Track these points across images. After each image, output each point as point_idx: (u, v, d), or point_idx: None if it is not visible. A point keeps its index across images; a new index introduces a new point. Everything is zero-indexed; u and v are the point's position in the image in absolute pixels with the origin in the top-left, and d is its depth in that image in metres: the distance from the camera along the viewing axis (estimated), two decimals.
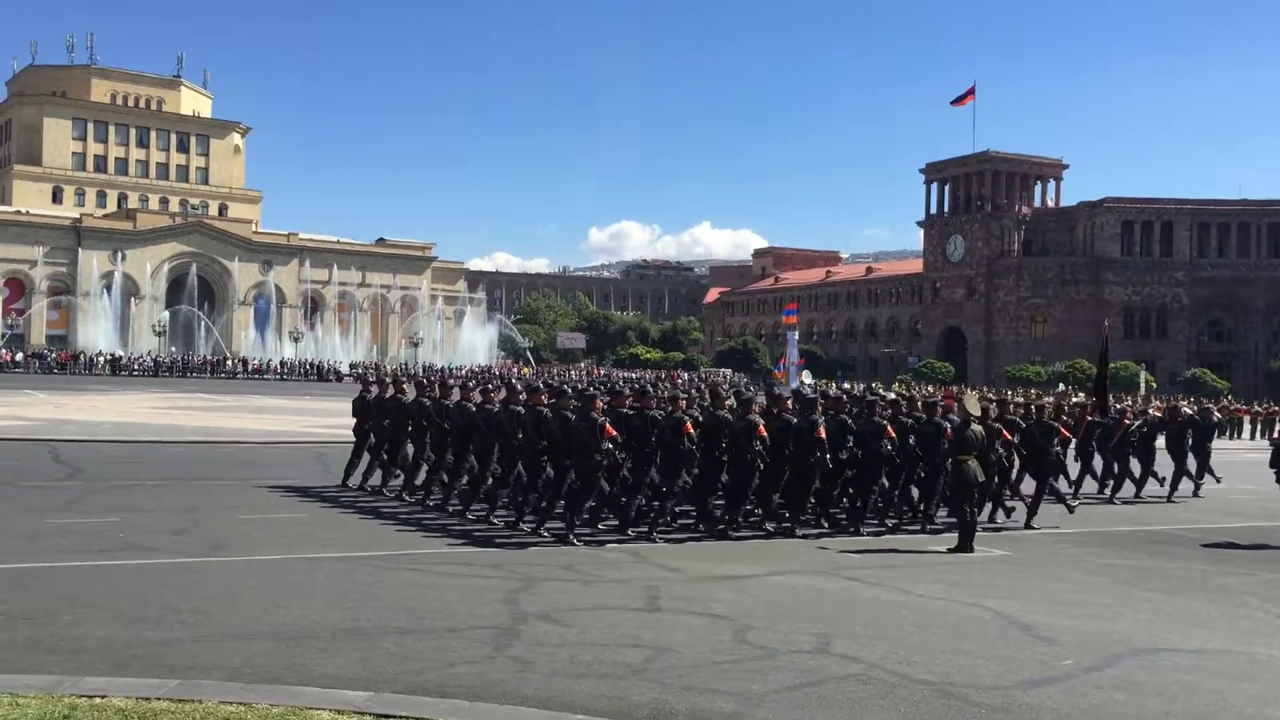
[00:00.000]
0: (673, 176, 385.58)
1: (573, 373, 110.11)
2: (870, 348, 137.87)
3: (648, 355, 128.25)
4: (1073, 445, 21.69)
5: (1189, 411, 27.76)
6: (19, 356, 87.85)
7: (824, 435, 15.99)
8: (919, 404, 18.62)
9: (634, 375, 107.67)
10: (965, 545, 15.26)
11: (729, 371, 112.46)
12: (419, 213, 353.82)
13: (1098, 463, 23.52)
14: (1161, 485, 23.72)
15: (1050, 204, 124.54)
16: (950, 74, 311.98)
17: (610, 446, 14.74)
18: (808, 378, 74.56)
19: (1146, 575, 14.18)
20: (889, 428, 16.94)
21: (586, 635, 9.63)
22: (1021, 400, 22.87)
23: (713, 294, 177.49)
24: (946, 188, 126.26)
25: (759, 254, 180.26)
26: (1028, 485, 18.95)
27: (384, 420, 19.18)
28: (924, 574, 13.47)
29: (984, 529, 16.88)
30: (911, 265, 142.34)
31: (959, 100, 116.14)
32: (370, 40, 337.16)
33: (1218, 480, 25.06)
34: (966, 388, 66.88)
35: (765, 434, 15.72)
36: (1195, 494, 24.38)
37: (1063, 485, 20.53)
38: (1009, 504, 18.82)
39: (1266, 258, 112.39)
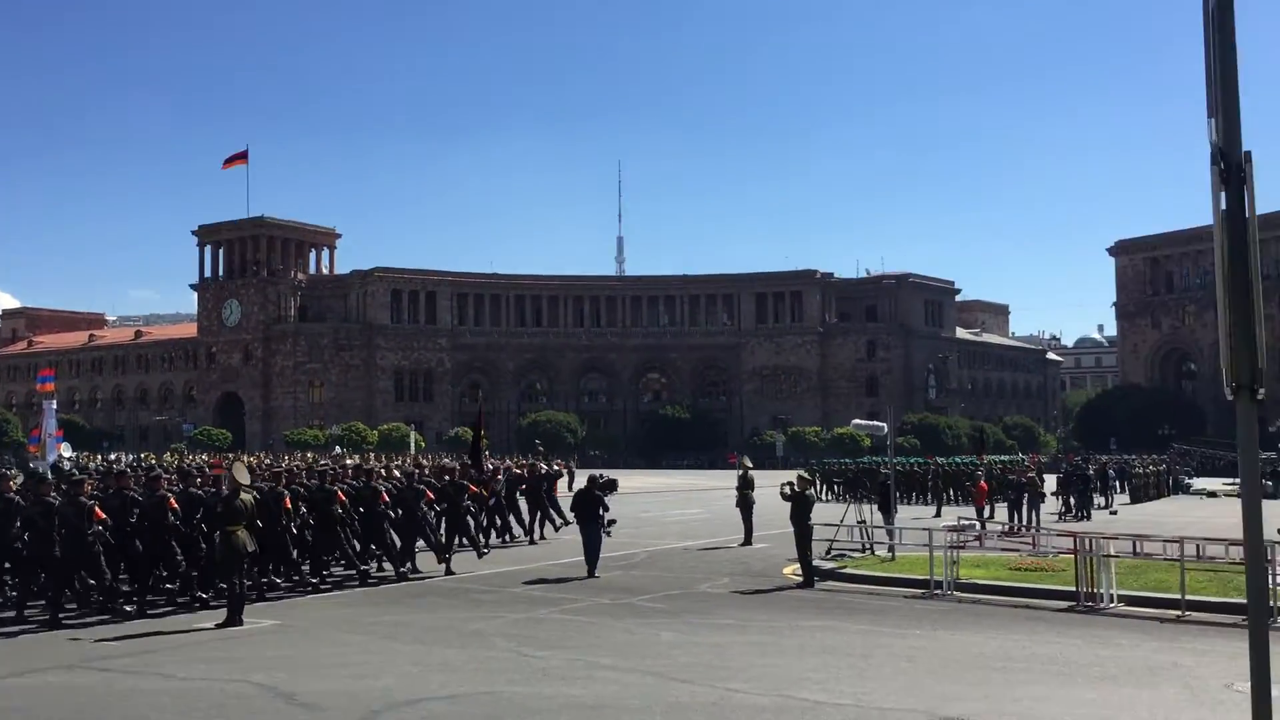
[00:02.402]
0: None
1: None
2: (141, 415, 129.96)
3: None
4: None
5: (544, 468, 31.62)
6: None
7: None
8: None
9: None
10: (235, 619, 14.86)
11: None
12: None
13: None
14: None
15: (326, 271, 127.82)
16: (221, 130, 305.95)
17: (100, 529, 15.17)
18: (67, 450, 68.07)
19: (410, 628, 14.91)
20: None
21: None
22: (449, 464, 26.50)
23: None
24: (221, 251, 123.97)
25: (9, 315, 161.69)
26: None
27: None
28: (188, 654, 12.87)
29: (259, 597, 16.58)
30: (186, 329, 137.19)
31: (229, 162, 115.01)
32: None
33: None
34: (242, 455, 65.73)
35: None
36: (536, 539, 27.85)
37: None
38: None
39: (514, 325, 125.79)
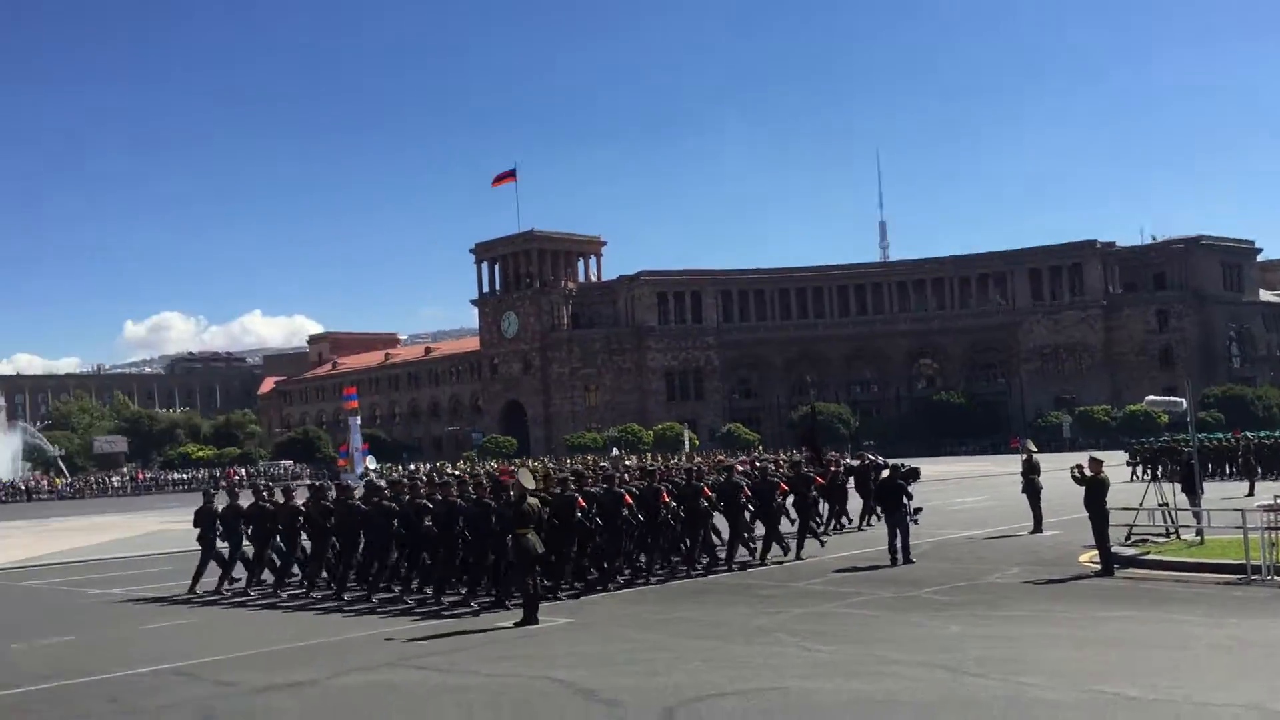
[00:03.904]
0: (216, 263, 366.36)
1: (114, 479, 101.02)
2: (434, 427, 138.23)
3: (200, 453, 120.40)
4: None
5: (870, 459, 32.21)
6: None
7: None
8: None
9: (186, 476, 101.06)
10: (531, 617, 15.58)
11: (290, 463, 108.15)
12: None
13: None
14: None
15: (594, 278, 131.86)
16: (494, 151, 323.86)
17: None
18: (372, 463, 73.45)
19: (697, 624, 15.18)
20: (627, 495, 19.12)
21: None
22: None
23: (268, 384, 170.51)
24: (496, 266, 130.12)
25: (314, 340, 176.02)
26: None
27: (239, 526, 20.96)
28: (493, 652, 13.59)
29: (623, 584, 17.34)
30: (469, 343, 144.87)
31: (499, 180, 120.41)
32: None
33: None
34: (528, 460, 68.64)
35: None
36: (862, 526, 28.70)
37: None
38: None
39: (780, 320, 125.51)
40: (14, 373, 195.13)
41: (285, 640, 15.27)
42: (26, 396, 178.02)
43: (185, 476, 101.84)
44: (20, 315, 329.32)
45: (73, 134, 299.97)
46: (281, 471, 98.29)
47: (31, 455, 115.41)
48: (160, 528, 41.83)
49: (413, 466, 74.63)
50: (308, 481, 67.11)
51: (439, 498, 18.65)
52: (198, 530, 21.38)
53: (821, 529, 25.86)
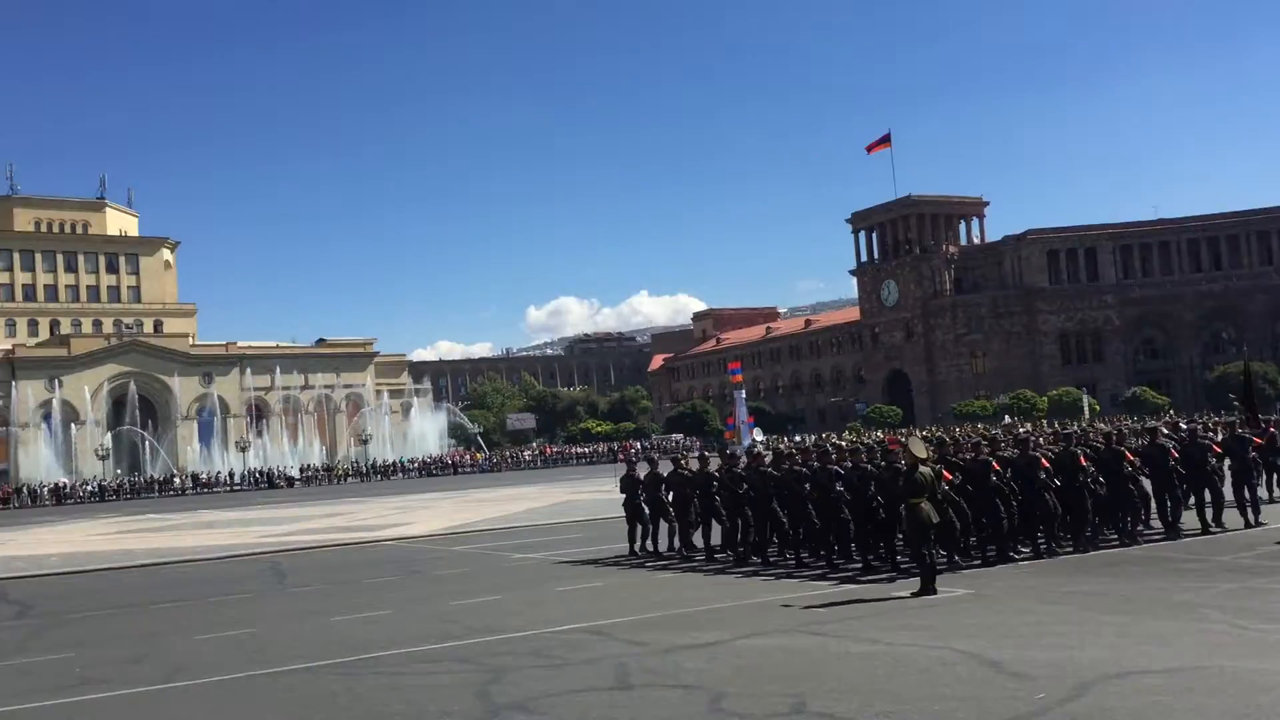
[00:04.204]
0: (607, 249, 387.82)
1: (526, 453, 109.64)
2: (817, 398, 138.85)
3: (598, 429, 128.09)
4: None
5: None
6: None
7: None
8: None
9: (587, 450, 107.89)
10: (928, 588, 15.33)
11: (680, 436, 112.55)
12: (358, 309, 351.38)
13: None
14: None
15: (976, 241, 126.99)
16: (866, 120, 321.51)
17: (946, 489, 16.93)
18: (759, 435, 74.87)
19: (1107, 598, 14.31)
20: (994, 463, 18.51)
21: None
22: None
23: (656, 361, 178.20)
24: (874, 234, 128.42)
25: (698, 317, 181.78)
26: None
27: (659, 491, 22.41)
28: (890, 621, 13.50)
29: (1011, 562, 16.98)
30: (849, 313, 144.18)
31: (874, 146, 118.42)
32: (290, 137, 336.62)
33: None
34: (915, 430, 67.48)
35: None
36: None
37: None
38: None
39: (1189, 273, 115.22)
40: (437, 358, 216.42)
41: (697, 603, 15.95)
42: (448, 379, 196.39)
43: (587, 450, 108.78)
44: (441, 307, 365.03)
45: (456, 147, 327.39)
46: (673, 444, 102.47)
47: (455, 433, 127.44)
48: (570, 498, 44.93)
49: (798, 438, 75.33)
50: (695, 454, 69.76)
51: (849, 464, 18.85)
52: (624, 496, 22.96)
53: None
